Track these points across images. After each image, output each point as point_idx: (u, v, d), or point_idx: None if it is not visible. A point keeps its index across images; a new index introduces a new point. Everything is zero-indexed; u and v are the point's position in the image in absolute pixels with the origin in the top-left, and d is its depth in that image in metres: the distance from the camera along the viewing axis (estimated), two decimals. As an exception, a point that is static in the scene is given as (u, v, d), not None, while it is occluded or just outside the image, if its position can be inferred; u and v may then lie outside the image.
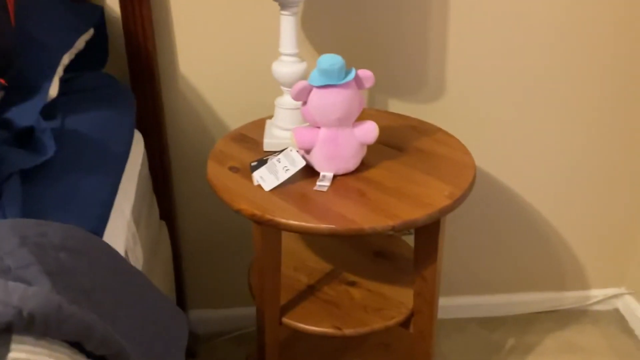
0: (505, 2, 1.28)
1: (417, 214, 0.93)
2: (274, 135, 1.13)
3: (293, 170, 0.99)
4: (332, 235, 0.97)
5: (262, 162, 1.04)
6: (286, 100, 1.11)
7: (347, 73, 0.96)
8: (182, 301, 1.53)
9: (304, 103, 0.99)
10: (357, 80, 0.98)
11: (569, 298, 1.67)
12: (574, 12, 1.30)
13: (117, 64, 1.28)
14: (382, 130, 1.18)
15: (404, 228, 0.92)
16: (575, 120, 1.42)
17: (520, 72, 1.35)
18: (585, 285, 1.66)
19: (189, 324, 1.57)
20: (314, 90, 0.96)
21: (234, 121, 1.37)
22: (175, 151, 1.39)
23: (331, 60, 0.94)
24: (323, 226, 0.90)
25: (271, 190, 0.98)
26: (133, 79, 1.26)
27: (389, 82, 1.36)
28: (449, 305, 1.64)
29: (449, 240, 1.56)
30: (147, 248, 1.13)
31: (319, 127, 1.00)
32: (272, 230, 1.01)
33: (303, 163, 0.99)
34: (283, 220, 0.92)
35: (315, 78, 0.96)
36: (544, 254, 1.60)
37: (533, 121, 1.41)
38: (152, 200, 1.28)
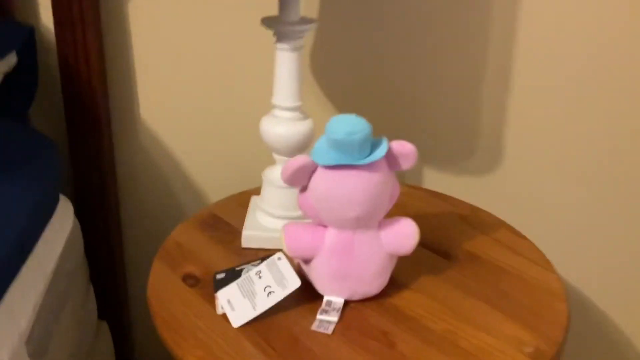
0: (591, 46, 0.91)
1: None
2: (259, 225, 0.76)
3: (280, 295, 0.62)
4: (338, 408, 0.59)
5: (232, 275, 0.67)
6: (278, 173, 0.75)
7: (374, 146, 0.59)
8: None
9: (303, 189, 0.62)
10: (390, 158, 0.61)
11: None
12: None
13: (54, 107, 0.92)
14: (420, 222, 0.81)
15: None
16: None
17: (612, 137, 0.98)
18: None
19: None
20: (320, 172, 0.60)
21: (210, 193, 1.00)
22: (130, 231, 1.02)
23: (350, 125, 0.57)
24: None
25: (242, 326, 0.61)
26: (70, 128, 0.91)
27: (425, 146, 0.99)
28: None
29: None
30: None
31: (325, 227, 0.63)
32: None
33: (297, 283, 0.62)
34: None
35: (322, 152, 0.59)
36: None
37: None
38: (86, 295, 0.90)
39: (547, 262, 0.74)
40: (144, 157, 0.97)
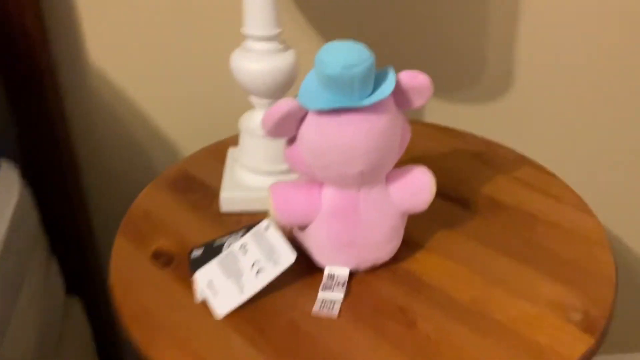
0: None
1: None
2: (239, 184, 0.63)
3: (272, 273, 0.50)
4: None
5: (212, 251, 0.55)
6: (258, 119, 0.62)
7: (378, 81, 0.46)
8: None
9: (291, 140, 0.49)
10: (399, 94, 0.48)
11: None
12: None
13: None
14: (430, 165, 0.69)
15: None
16: None
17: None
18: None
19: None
20: (311, 119, 0.47)
21: (181, 144, 0.86)
22: (93, 193, 0.89)
23: (347, 55, 0.44)
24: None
25: (228, 314, 0.50)
26: (7, 82, 0.76)
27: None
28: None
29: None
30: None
31: (321, 184, 0.51)
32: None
33: (292, 257, 0.50)
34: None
35: (312, 93, 0.46)
36: None
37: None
38: (47, 271, 0.78)
39: (582, 202, 0.63)
40: (99, 107, 0.83)
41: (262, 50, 0.57)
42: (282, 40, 0.58)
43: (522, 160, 0.70)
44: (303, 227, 0.52)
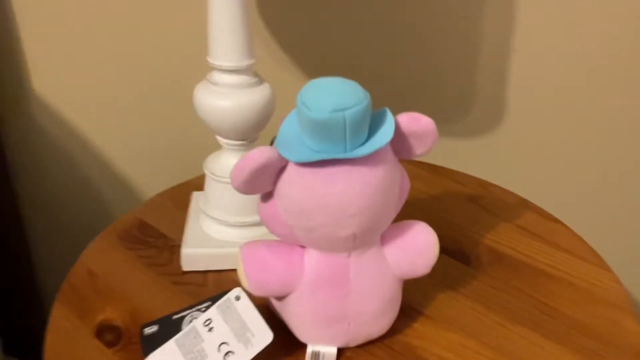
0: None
1: None
2: (204, 237, 0.54)
3: (244, 357, 0.41)
4: None
5: (169, 327, 0.45)
6: (226, 163, 0.53)
7: (374, 125, 0.38)
8: None
9: (267, 196, 0.41)
10: (398, 141, 0.40)
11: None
12: None
13: None
14: (423, 212, 0.60)
15: None
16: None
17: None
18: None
19: None
20: (293, 171, 0.38)
21: (137, 186, 0.77)
22: (37, 245, 0.78)
23: (337, 96, 0.35)
24: None
25: (190, 411, 0.40)
26: None
27: (411, 105, 0.78)
28: None
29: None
30: None
31: (303, 247, 0.42)
32: None
33: (269, 337, 0.41)
34: None
35: (293, 140, 0.37)
36: None
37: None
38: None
39: (597, 256, 0.56)
40: (44, 143, 0.73)
41: (231, 84, 0.49)
42: (255, 73, 0.50)
43: (523, 205, 0.63)
44: (281, 298, 0.43)
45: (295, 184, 0.38)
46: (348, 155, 0.36)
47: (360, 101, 0.36)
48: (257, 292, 0.42)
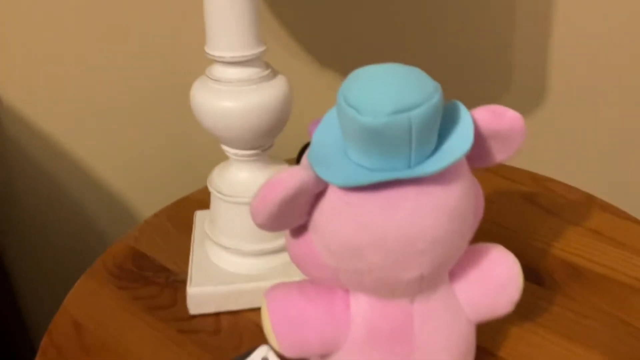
0: None
1: None
2: (213, 271, 0.44)
3: None
4: None
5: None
6: (234, 178, 0.42)
7: (444, 128, 0.28)
8: None
9: (299, 230, 0.30)
10: (476, 143, 0.30)
11: None
12: None
13: None
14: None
15: None
16: None
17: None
18: None
19: None
20: (336, 197, 0.27)
21: (131, 206, 0.66)
22: (19, 283, 0.68)
23: (397, 93, 0.25)
24: None
25: None
26: None
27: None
28: None
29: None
30: None
31: (348, 290, 0.32)
32: None
33: (309, 413, 0.31)
34: None
35: (335, 155, 0.27)
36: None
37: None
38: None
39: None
40: (17, 158, 0.62)
41: (236, 80, 0.38)
42: (267, 64, 0.39)
43: (589, 201, 0.53)
44: (325, 356, 0.33)
45: (341, 215, 0.27)
46: (414, 173, 0.26)
47: (430, 96, 0.25)
48: (290, 354, 0.32)
